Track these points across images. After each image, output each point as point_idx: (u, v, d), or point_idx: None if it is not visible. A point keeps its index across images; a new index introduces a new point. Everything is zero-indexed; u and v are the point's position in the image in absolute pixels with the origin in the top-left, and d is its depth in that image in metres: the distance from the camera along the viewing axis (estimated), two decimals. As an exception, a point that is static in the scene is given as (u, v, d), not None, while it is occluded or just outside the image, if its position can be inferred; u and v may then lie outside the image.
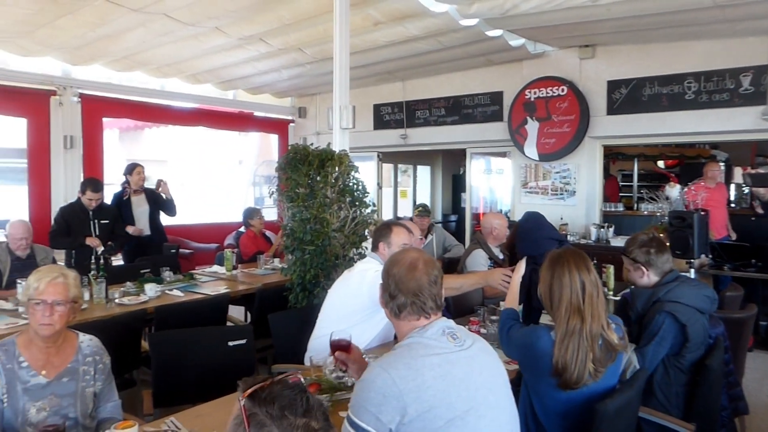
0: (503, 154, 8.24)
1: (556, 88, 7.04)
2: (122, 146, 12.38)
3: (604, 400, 2.14)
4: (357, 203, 4.23)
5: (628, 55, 6.71)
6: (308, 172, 4.02)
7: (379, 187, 9.37)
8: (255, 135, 10.37)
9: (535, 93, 7.21)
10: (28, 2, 4.81)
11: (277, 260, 5.85)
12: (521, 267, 2.88)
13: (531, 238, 3.52)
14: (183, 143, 12.83)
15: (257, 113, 9.39)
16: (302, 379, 1.20)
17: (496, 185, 9.85)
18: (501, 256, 4.67)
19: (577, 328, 2.18)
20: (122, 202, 5.95)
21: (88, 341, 2.35)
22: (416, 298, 1.78)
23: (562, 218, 7.12)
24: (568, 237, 6.92)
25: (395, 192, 10.78)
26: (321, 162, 4.07)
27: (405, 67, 7.60)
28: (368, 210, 4.32)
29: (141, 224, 5.99)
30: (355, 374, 2.34)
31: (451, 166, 11.81)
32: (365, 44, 6.14)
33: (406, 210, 10.84)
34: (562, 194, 7.30)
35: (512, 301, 2.77)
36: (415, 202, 11.14)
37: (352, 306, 3.04)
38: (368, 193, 4.39)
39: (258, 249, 6.16)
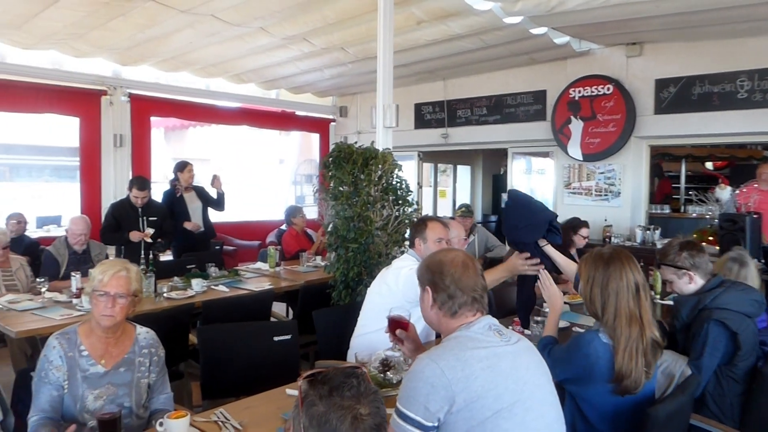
0: (546, 154, 8.12)
1: (602, 86, 6.91)
2: (167, 145, 12.70)
3: (655, 405, 2.11)
4: (400, 202, 4.24)
5: (677, 53, 6.54)
6: (352, 170, 4.05)
7: (420, 186, 9.36)
8: (296, 134, 10.49)
9: (579, 92, 7.09)
10: (81, 5, 4.96)
11: (318, 258, 5.91)
12: (560, 300, 2.75)
13: (533, 223, 2.98)
14: (226, 142, 13.09)
15: (299, 112, 9.49)
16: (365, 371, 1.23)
17: (537, 185, 9.73)
18: (544, 257, 4.60)
19: (638, 335, 2.15)
20: (176, 199, 6.11)
21: (144, 333, 2.43)
22: (475, 294, 1.82)
23: (606, 219, 6.99)
24: (613, 239, 6.79)
25: (435, 192, 10.75)
26: (365, 160, 4.09)
27: (447, 65, 7.57)
28: (411, 209, 4.32)
29: (196, 220, 6.16)
30: (409, 353, 2.34)
31: (492, 166, 11.70)
32: (407, 43, 6.15)
33: (445, 210, 10.80)
34: (606, 195, 7.16)
35: (552, 329, 2.66)
36: (454, 202, 11.08)
37: (389, 303, 3.03)
38: (411, 191, 4.39)
39: (300, 247, 6.23)
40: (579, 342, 2.26)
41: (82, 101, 6.89)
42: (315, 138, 10.15)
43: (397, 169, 4.28)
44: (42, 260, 4.84)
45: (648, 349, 2.15)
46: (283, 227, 6.69)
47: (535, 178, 9.54)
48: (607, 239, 6.81)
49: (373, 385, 1.22)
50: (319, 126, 9.86)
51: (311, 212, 8.20)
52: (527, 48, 6.77)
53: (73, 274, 4.13)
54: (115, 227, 5.44)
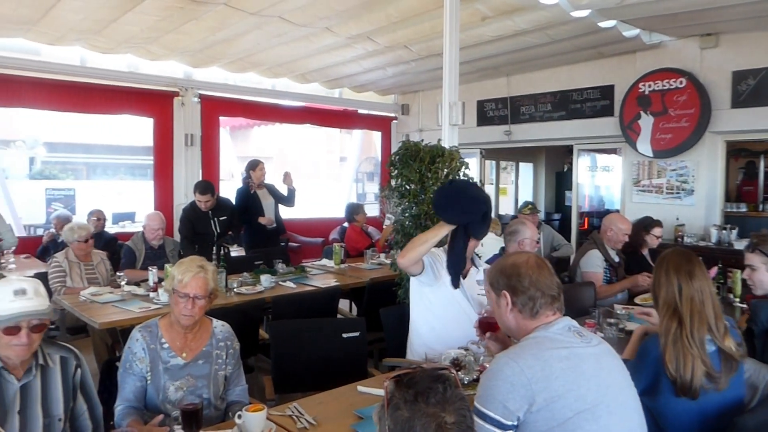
0: (613, 151, 7.89)
1: (674, 80, 6.64)
2: (233, 143, 13.05)
3: (743, 414, 2.02)
4: (466, 200, 4.19)
5: (756, 43, 6.19)
6: (419, 168, 4.04)
7: (482, 184, 9.25)
8: (357, 132, 10.57)
9: (649, 86, 6.84)
10: (158, 10, 5.16)
11: (383, 255, 5.93)
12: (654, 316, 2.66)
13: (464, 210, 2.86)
14: (288, 140, 13.34)
15: (361, 111, 9.55)
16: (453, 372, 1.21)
17: (603, 182, 9.45)
18: (617, 259, 4.48)
19: (675, 328, 2.13)
20: (250, 196, 6.29)
21: (221, 327, 2.51)
22: (553, 292, 1.81)
23: (678, 218, 6.71)
24: (685, 239, 6.52)
25: (496, 190, 10.62)
26: (431, 158, 4.07)
27: (510, 61, 7.45)
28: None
29: (268, 216, 6.33)
30: (495, 352, 2.32)
31: (555, 163, 11.45)
32: (471, 39, 6.08)
33: (507, 208, 10.64)
34: (678, 193, 6.88)
35: (629, 353, 2.59)
36: (516, 200, 10.91)
37: (415, 293, 3.11)
38: (478, 189, 4.34)
39: (364, 243, 6.27)
40: (647, 347, 2.25)
41: (155, 102, 7.17)
42: (377, 136, 10.19)
43: (464, 167, 4.25)
44: (122, 253, 5.08)
45: (703, 354, 2.08)
46: (344, 225, 6.75)
47: (600, 175, 9.28)
48: (679, 239, 6.55)
49: (460, 391, 1.20)
50: (381, 124, 9.90)
51: (373, 209, 8.25)
52: (594, 42, 6.58)
53: (150, 268, 4.32)
54: (192, 232, 5.61)
